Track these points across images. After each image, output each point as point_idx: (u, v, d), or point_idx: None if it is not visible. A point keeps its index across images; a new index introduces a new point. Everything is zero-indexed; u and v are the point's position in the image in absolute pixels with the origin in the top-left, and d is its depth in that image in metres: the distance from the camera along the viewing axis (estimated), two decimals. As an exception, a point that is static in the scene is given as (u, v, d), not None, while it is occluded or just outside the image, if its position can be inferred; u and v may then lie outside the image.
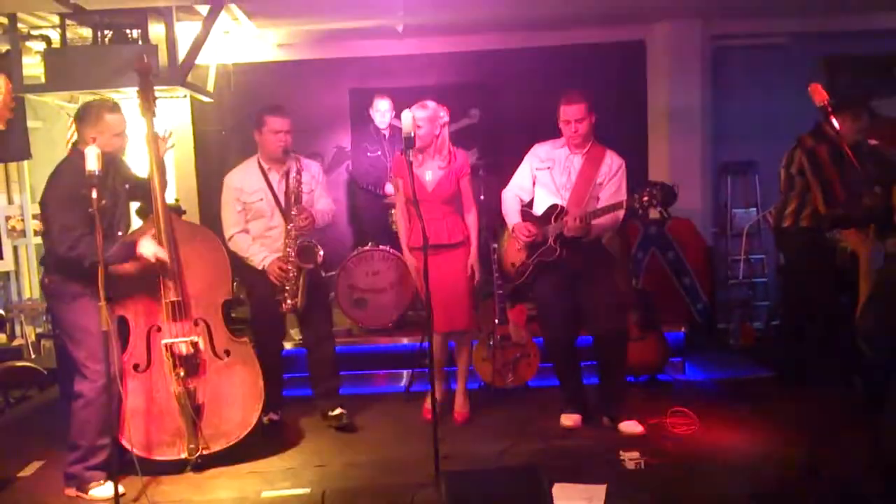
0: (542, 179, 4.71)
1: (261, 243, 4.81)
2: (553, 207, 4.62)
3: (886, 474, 3.46)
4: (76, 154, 4.04)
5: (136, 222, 5.56)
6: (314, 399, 5.06)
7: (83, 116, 4.10)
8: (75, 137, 4.23)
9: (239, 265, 4.81)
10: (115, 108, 4.15)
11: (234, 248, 4.78)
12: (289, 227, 4.72)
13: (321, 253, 4.76)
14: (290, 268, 4.69)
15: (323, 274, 5.06)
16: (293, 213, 4.70)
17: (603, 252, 4.74)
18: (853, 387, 4.97)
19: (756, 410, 4.95)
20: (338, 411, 4.94)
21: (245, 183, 4.82)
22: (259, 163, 4.86)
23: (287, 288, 4.70)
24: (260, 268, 4.75)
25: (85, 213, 3.76)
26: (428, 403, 5.03)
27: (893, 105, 5.86)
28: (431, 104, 4.73)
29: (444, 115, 4.78)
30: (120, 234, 4.21)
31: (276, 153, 4.78)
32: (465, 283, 4.83)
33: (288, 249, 4.71)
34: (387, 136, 6.48)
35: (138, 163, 4.52)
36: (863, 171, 4.71)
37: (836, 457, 4.04)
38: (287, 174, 4.79)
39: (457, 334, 4.94)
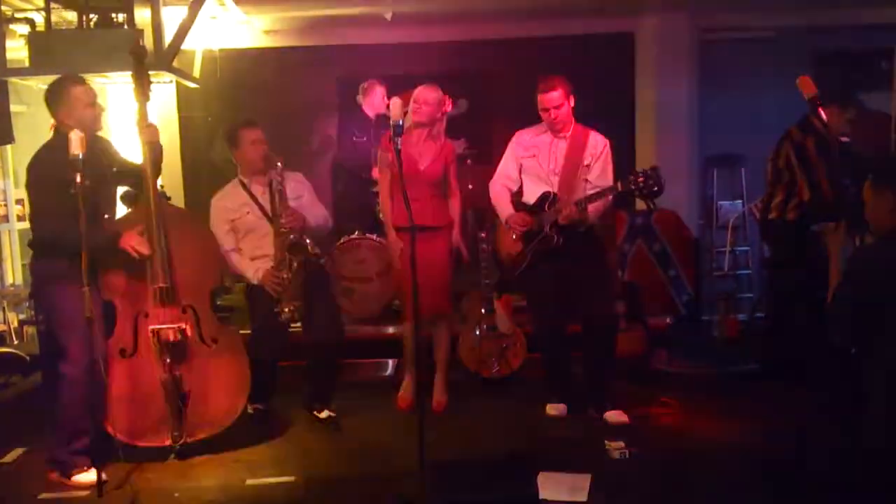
0: (528, 167, 4.71)
1: (252, 256, 4.72)
2: (545, 195, 4.61)
3: (866, 464, 3.49)
4: (56, 137, 4.03)
5: (121, 209, 5.53)
6: (305, 397, 4.94)
7: (51, 97, 4.06)
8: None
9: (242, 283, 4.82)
10: (79, 79, 4.11)
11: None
12: (276, 227, 4.61)
13: (309, 241, 4.66)
14: (282, 272, 4.57)
15: (322, 261, 4.92)
16: (279, 212, 4.58)
17: (596, 239, 4.74)
18: (838, 379, 4.99)
19: (740, 402, 4.99)
20: (325, 414, 4.83)
21: (230, 201, 4.77)
22: (240, 180, 4.82)
23: (283, 295, 4.57)
24: (255, 281, 4.66)
25: (68, 195, 3.74)
26: (403, 392, 5.05)
27: (880, 99, 5.89)
28: (429, 87, 4.77)
29: (447, 105, 4.86)
30: (106, 216, 4.18)
31: (258, 163, 4.72)
32: (447, 267, 4.82)
33: (277, 251, 4.60)
34: (373, 122, 6.47)
35: (130, 148, 4.48)
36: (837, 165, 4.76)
37: (820, 448, 4.07)
38: (270, 183, 4.69)
39: (433, 319, 4.90)
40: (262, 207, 4.74)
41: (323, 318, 4.75)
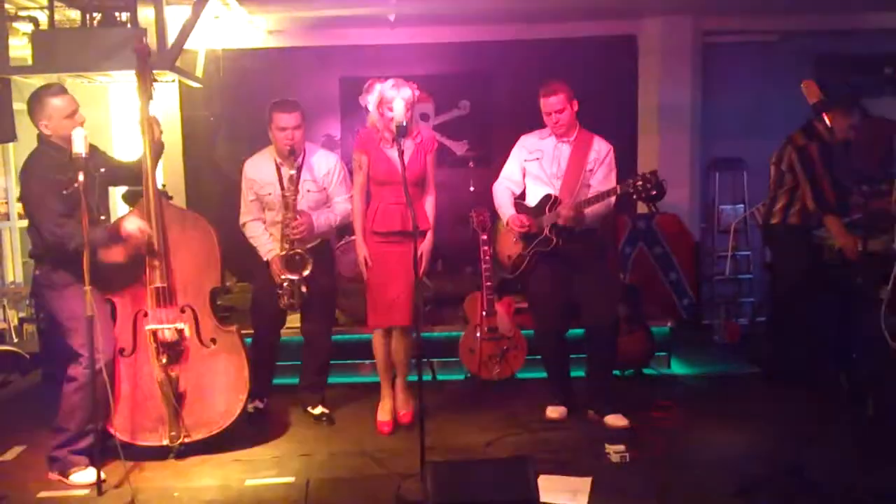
0: (532, 170, 4.70)
1: (271, 233, 4.74)
2: (547, 198, 4.60)
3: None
4: (44, 143, 4.04)
5: (122, 208, 5.53)
6: (298, 391, 5.02)
7: (30, 107, 4.06)
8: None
9: (249, 250, 4.79)
10: (59, 91, 4.08)
11: (246, 234, 4.78)
12: (284, 231, 4.57)
13: (309, 269, 4.56)
14: (284, 270, 4.59)
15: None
16: (288, 217, 4.53)
17: (598, 241, 4.73)
18: (839, 384, 4.99)
19: (741, 406, 4.98)
20: (319, 410, 4.89)
21: (259, 175, 4.72)
22: (273, 155, 4.74)
23: (283, 286, 4.62)
24: (265, 259, 4.70)
25: (62, 197, 3.79)
26: (380, 415, 4.76)
27: (882, 104, 5.90)
28: (406, 84, 4.42)
29: (416, 92, 4.47)
30: (103, 218, 4.17)
31: (283, 152, 4.62)
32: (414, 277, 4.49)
33: (281, 248, 4.61)
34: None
35: (131, 147, 4.47)
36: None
37: (820, 453, 4.07)
38: (300, 169, 4.64)
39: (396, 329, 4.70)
40: (284, 192, 4.65)
41: (319, 312, 4.85)
